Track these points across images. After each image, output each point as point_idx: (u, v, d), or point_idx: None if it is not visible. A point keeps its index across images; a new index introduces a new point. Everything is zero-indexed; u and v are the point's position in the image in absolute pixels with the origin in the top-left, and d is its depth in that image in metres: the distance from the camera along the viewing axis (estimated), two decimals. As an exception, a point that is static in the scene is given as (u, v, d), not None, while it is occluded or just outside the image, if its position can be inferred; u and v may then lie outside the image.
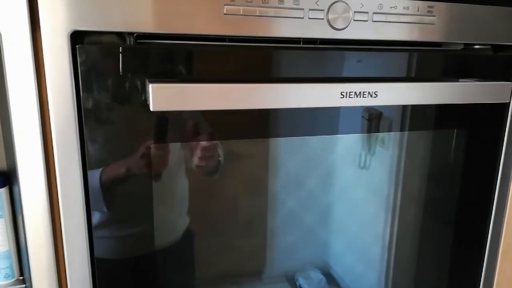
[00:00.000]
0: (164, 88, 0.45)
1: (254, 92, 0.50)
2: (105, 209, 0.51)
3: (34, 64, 0.45)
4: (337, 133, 0.62)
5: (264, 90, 0.51)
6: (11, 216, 0.55)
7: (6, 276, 0.57)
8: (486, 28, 0.63)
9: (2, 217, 0.55)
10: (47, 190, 0.49)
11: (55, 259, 0.51)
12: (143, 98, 0.49)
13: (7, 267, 0.56)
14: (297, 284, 0.69)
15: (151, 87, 0.44)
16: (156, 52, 0.50)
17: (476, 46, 0.66)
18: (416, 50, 0.63)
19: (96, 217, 0.52)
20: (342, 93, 0.52)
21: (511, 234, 0.73)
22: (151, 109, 0.45)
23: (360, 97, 0.53)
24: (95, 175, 0.50)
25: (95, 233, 0.52)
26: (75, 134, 0.49)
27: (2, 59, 0.44)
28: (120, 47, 0.49)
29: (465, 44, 0.66)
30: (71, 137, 0.49)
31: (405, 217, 0.72)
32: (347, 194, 0.68)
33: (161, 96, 0.45)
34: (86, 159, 0.50)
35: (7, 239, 0.56)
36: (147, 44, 0.51)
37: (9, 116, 0.46)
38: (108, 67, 0.48)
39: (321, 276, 0.70)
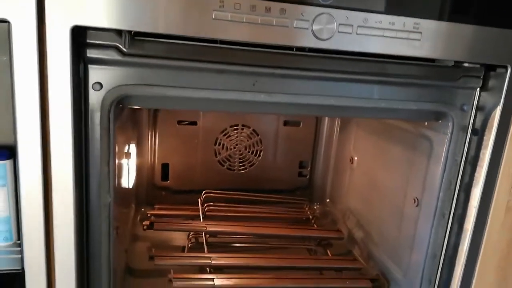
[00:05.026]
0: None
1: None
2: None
3: (38, 54, 0.51)
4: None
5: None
6: (13, 186, 0.61)
7: (5, 239, 0.63)
8: (474, 47, 0.64)
9: (4, 186, 0.61)
10: (42, 166, 0.56)
11: (44, 225, 0.57)
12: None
13: (6, 231, 0.63)
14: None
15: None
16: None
17: (466, 64, 0.68)
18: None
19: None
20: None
21: None
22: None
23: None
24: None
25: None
26: (70, 119, 0.55)
27: (11, 46, 0.50)
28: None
29: (455, 62, 0.67)
30: (66, 120, 0.55)
31: None
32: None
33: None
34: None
35: (8, 206, 0.62)
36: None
37: (14, 97, 0.53)
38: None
39: None
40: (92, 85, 0.57)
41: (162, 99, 0.63)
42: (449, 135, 0.73)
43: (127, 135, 0.96)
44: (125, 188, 0.96)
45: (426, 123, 0.79)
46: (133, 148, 1.06)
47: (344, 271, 0.92)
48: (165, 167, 1.16)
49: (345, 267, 0.92)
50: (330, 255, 0.99)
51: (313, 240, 1.03)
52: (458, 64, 0.67)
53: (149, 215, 1.07)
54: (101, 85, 0.58)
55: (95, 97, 0.58)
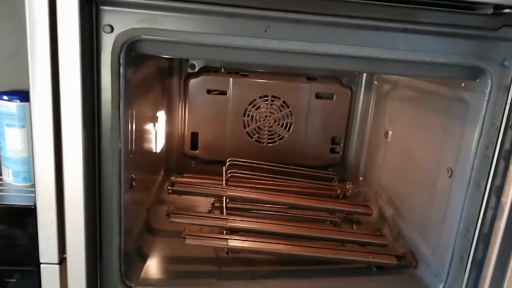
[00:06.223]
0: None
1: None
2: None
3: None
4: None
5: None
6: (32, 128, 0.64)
7: (24, 180, 0.66)
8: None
9: (24, 127, 0.64)
10: (53, 108, 0.57)
11: (55, 166, 0.59)
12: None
13: (26, 172, 0.66)
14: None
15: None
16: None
17: (507, 10, 0.60)
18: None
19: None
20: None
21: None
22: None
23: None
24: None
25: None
26: (78, 60, 0.55)
27: None
28: None
29: (494, 7, 0.60)
30: (75, 62, 0.55)
31: None
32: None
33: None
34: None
35: (28, 147, 0.65)
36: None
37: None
38: None
39: None
40: (103, 27, 0.58)
41: (173, 46, 0.62)
42: (487, 95, 0.66)
43: (154, 98, 0.97)
44: (150, 150, 0.97)
45: (463, 84, 0.71)
46: (162, 115, 1.07)
47: (368, 246, 0.87)
48: (194, 136, 1.16)
49: (369, 241, 0.87)
50: (355, 229, 0.94)
51: (339, 213, 0.99)
52: (497, 11, 0.60)
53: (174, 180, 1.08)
54: (111, 27, 0.58)
55: (106, 40, 0.58)
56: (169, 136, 1.14)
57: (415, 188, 0.88)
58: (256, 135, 1.16)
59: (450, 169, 0.75)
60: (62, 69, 0.56)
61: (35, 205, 0.60)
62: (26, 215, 0.60)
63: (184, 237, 0.76)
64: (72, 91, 0.57)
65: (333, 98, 1.15)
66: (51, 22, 0.54)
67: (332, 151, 1.20)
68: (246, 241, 0.77)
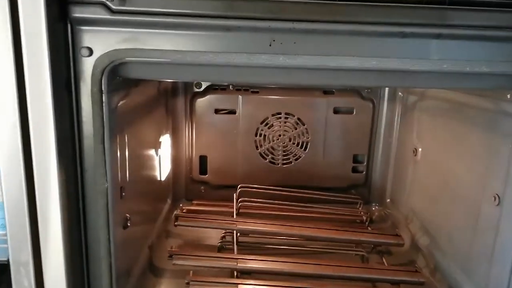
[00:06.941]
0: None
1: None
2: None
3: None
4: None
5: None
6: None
7: (2, 227, 0.58)
8: None
9: (-1, 168, 0.56)
10: (23, 147, 0.49)
11: (28, 213, 0.50)
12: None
13: (2, 218, 0.58)
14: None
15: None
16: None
17: None
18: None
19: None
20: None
21: None
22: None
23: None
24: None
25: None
26: (49, 91, 0.47)
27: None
28: None
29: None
30: (45, 93, 0.47)
31: None
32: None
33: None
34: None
35: (1, 192, 0.57)
36: None
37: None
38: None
39: None
40: (80, 50, 0.49)
41: (162, 68, 0.53)
42: (541, 108, 0.54)
43: (156, 121, 0.89)
44: (153, 179, 0.89)
45: (508, 96, 0.60)
46: (167, 139, 0.99)
47: (402, 284, 0.75)
48: (203, 159, 1.07)
49: (403, 279, 0.75)
50: (385, 264, 0.82)
51: (365, 245, 0.87)
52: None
53: (184, 210, 1.00)
54: (90, 50, 0.50)
55: (84, 64, 0.50)
56: (175, 161, 1.05)
57: (454, 215, 0.77)
58: (269, 156, 1.06)
59: (498, 196, 0.63)
60: (30, 101, 0.47)
61: (8, 260, 0.51)
62: (3, 271, 0.51)
63: (188, 283, 0.66)
64: (44, 125, 0.48)
65: (353, 112, 1.05)
66: (16, 47, 0.46)
67: (355, 170, 1.09)
68: (259, 286, 0.67)
